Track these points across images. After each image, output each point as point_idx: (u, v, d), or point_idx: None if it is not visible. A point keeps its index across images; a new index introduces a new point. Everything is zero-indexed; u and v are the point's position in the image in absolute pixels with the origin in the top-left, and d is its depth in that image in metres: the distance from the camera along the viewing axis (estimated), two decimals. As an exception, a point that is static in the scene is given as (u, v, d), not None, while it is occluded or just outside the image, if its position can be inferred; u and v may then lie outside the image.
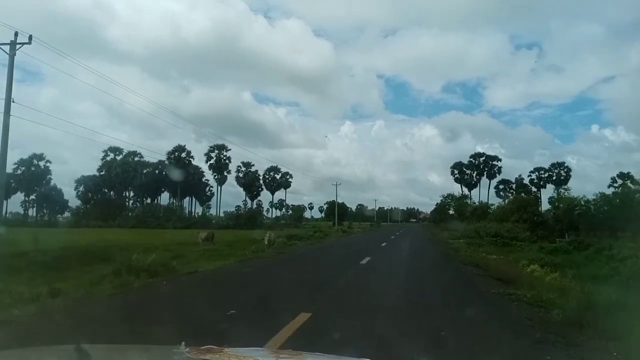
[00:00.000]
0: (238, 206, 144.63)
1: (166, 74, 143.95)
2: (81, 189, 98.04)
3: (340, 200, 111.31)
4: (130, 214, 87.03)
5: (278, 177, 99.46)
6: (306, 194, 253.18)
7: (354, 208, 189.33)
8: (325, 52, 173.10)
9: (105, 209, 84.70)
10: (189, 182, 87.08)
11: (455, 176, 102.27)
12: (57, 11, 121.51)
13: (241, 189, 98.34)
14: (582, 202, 41.07)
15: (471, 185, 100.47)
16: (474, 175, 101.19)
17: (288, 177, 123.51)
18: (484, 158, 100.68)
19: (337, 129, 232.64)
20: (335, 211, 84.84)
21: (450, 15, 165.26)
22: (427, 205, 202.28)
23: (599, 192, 56.04)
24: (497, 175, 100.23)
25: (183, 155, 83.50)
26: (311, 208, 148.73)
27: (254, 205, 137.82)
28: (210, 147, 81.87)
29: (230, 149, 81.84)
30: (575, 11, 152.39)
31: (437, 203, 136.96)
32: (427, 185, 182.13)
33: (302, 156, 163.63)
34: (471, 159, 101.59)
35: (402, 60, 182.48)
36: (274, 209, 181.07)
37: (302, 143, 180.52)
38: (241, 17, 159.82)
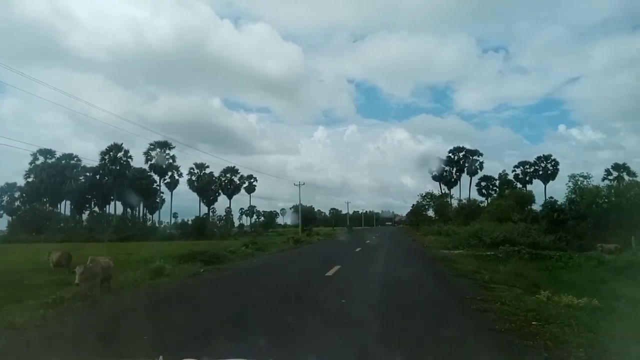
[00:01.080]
0: (206, 214, 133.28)
1: (131, 81, 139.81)
2: (6, 198, 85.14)
3: (311, 205, 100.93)
4: (61, 226, 74.20)
5: (236, 179, 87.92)
6: (281, 199, 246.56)
7: (327, 213, 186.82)
8: (295, 57, 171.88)
9: (32, 221, 71.66)
10: (135, 187, 74.99)
11: (433, 174, 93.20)
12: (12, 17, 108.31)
13: (205, 192, 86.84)
14: (612, 194, 31.41)
15: (451, 183, 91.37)
16: (454, 172, 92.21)
17: (252, 180, 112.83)
18: (464, 153, 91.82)
19: (309, 134, 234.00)
20: (299, 215, 73.87)
21: (417, 20, 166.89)
22: (401, 207, 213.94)
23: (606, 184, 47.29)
24: (479, 171, 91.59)
25: (120, 155, 71.16)
26: (284, 214, 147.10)
27: (224, 212, 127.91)
28: (151, 144, 69.90)
29: (174, 147, 70.11)
30: (539, 14, 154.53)
31: (413, 204, 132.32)
32: (401, 188, 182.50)
33: (275, 162, 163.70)
34: (450, 154, 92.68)
35: (372, 64, 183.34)
36: (245, 215, 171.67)
37: (274, 149, 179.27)
38: (207, 22, 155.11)
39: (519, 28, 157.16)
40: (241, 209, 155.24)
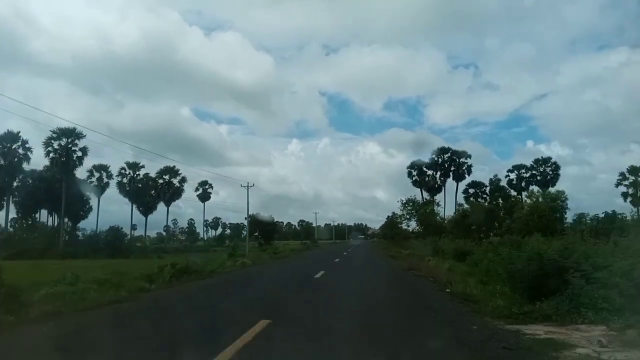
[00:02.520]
0: (167, 226, 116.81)
1: (98, 88, 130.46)
2: None
3: (271, 215, 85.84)
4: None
5: (176, 181, 71.77)
6: (252, 211, 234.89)
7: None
8: (267, 67, 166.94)
9: None
10: (50, 192, 58.54)
11: (414, 178, 79.33)
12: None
13: (140, 197, 70.50)
14: None
15: (434, 190, 77.72)
16: (438, 176, 78.74)
17: (207, 187, 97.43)
18: (449, 155, 78.49)
19: (281, 146, 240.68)
20: (247, 227, 58.52)
21: (389, 34, 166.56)
22: (374, 221, 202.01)
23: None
24: (467, 175, 78.38)
25: (15, 146, 54.45)
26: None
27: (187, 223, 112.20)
28: (53, 132, 53.38)
29: (84, 135, 53.77)
30: (508, 31, 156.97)
31: (388, 216, 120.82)
32: (374, 201, 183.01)
33: (247, 174, 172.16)
34: (434, 157, 79.18)
35: (345, 77, 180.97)
36: (209, 228, 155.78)
37: (246, 161, 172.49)
38: (176, 28, 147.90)
39: (488, 44, 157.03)
40: (205, 220, 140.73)
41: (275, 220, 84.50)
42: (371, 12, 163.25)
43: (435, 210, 59.28)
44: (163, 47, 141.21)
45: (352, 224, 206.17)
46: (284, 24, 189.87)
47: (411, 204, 63.85)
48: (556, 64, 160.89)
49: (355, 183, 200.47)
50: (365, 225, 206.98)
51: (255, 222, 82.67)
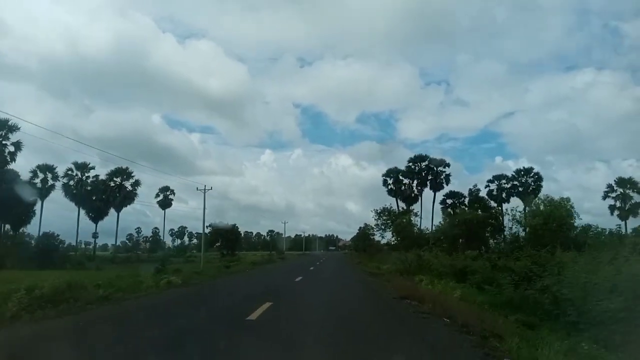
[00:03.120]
0: (130, 234, 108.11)
1: (65, 92, 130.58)
2: None
3: (235, 224, 79.56)
4: None
5: (128, 184, 64.70)
6: (221, 220, 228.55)
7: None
8: (240, 77, 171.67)
9: None
10: None
11: (389, 187, 74.42)
12: None
13: (88, 201, 62.93)
14: None
15: (410, 199, 73.00)
16: (414, 185, 74.13)
17: (168, 193, 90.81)
18: (426, 163, 74.09)
19: (254, 156, 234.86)
20: (203, 235, 52.26)
21: (364, 49, 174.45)
22: (345, 232, 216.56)
23: None
24: (445, 185, 74.02)
25: None
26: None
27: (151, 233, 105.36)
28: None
29: (18, 127, 46.74)
30: (479, 49, 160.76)
31: (360, 227, 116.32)
32: (345, 213, 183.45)
33: (217, 183, 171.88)
34: (410, 164, 74.54)
35: (318, 90, 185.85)
36: (175, 237, 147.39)
37: (217, 170, 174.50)
38: (148, 34, 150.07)
39: (459, 61, 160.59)
40: (171, 229, 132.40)
41: (239, 229, 78.10)
42: (347, 25, 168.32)
43: (413, 221, 54.47)
44: (135, 52, 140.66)
45: (323, 235, 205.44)
46: (258, 34, 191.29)
47: (386, 213, 58.96)
48: (525, 83, 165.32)
49: (327, 194, 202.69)
50: (337, 236, 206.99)
51: (217, 231, 76.34)
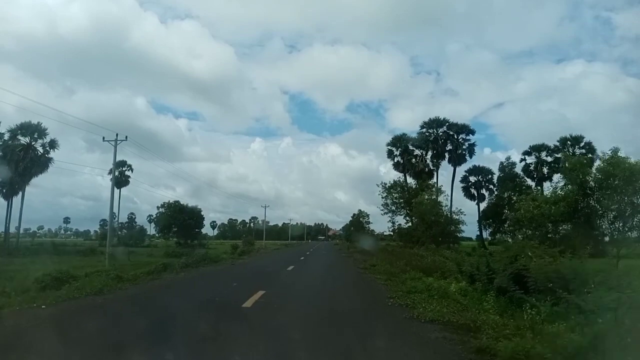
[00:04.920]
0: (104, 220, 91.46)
1: (46, 73, 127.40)
2: None
3: (197, 205, 62.50)
4: None
5: (39, 146, 46.26)
6: (211, 210, 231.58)
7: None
8: (227, 59, 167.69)
9: None
10: None
11: (396, 159, 57.36)
12: None
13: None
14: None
15: (423, 175, 55.92)
16: (428, 157, 57.08)
17: (125, 169, 74.58)
18: (444, 129, 56.98)
19: (242, 144, 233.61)
20: (110, 216, 34.70)
21: (353, 33, 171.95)
22: (334, 222, 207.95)
23: None
24: (468, 157, 57.19)
25: None
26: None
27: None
28: None
29: None
30: (469, 39, 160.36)
31: (354, 214, 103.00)
32: (334, 202, 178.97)
33: (204, 170, 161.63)
34: (424, 130, 57.31)
35: (307, 76, 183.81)
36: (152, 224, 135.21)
37: (203, 156, 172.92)
38: (129, 13, 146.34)
39: (450, 50, 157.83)
40: (149, 215, 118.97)
41: (201, 212, 60.51)
42: (336, 8, 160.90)
43: (441, 201, 37.52)
44: (116, 31, 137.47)
45: (312, 224, 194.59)
46: (245, 16, 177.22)
47: (399, 188, 42.08)
48: (514, 73, 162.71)
49: (316, 184, 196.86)
50: (326, 225, 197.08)
51: (172, 213, 58.86)
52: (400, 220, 42.50)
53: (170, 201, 59.90)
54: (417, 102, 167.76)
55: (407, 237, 37.05)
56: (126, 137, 29.86)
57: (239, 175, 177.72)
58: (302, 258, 33.68)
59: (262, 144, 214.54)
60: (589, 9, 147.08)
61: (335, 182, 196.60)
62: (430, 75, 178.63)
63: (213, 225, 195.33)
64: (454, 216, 37.05)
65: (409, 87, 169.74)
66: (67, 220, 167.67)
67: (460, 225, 35.88)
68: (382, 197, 43.17)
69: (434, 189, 41.11)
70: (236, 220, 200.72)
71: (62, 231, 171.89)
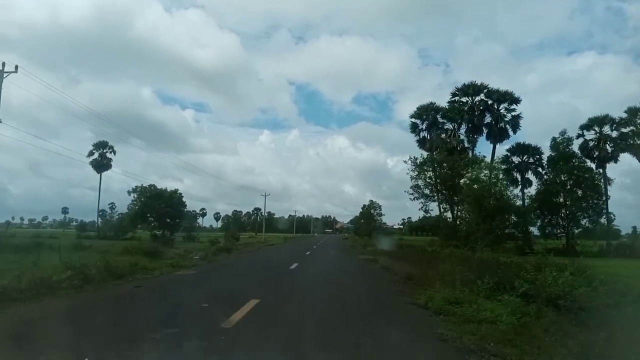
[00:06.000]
0: (103, 210, 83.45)
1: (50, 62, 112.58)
2: None
3: (177, 190, 52.12)
4: None
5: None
6: (214, 200, 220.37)
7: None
8: (233, 50, 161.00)
9: None
10: None
11: (422, 134, 46.31)
12: None
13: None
14: None
15: (455, 153, 44.61)
16: (463, 132, 45.92)
17: (106, 150, 66.45)
18: (482, 97, 45.73)
19: (249, 136, 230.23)
20: None
21: (361, 24, 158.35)
22: (342, 215, 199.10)
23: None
24: (511, 132, 45.83)
25: None
26: (204, 215, 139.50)
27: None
28: None
29: None
30: (477, 33, 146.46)
31: (364, 205, 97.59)
32: (343, 195, 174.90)
33: (211, 162, 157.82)
34: (457, 98, 46.07)
35: (314, 68, 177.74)
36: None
37: (209, 148, 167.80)
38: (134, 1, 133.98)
39: (459, 42, 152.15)
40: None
41: (182, 197, 49.67)
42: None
43: (497, 182, 26.42)
44: (120, 20, 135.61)
45: (320, 217, 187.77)
46: (251, 5, 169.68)
47: (435, 165, 31.12)
48: (525, 66, 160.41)
49: (323, 176, 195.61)
50: (334, 218, 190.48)
51: (146, 199, 48.44)
52: (434, 207, 31.72)
53: (144, 185, 49.25)
54: (425, 94, 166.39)
55: (449, 233, 26.25)
56: (16, 68, 19.16)
57: (246, 167, 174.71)
58: (293, 267, 22.01)
59: (270, 136, 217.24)
60: (601, 0, 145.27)
61: (343, 174, 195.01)
62: (438, 67, 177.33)
63: (217, 217, 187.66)
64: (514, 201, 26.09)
65: (417, 79, 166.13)
66: (65, 210, 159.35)
67: (533, 215, 24.96)
68: (412, 178, 32.47)
69: (483, 164, 29.94)
70: (241, 212, 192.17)
71: (68, 222, 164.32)
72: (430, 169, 31.87)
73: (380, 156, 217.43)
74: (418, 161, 33.52)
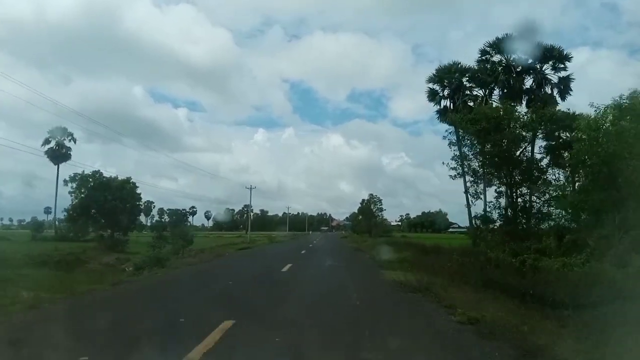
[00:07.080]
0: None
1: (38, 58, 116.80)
2: None
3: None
4: None
5: None
6: (206, 199, 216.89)
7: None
8: (226, 46, 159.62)
9: None
10: None
11: (443, 104, 35.92)
12: None
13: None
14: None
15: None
16: (496, 99, 35.43)
17: (64, 138, 55.68)
18: (519, 55, 35.12)
19: (242, 134, 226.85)
20: None
21: (354, 20, 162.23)
22: (337, 213, 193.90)
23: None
24: (559, 100, 35.10)
25: None
26: (193, 213, 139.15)
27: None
28: None
29: None
30: (469, 28, 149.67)
31: (363, 200, 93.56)
32: (338, 193, 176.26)
33: (205, 160, 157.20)
34: (487, 57, 35.48)
35: (308, 65, 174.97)
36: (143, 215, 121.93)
37: (203, 146, 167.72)
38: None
39: (452, 37, 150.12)
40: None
41: (135, 185, 38.88)
42: None
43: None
44: (108, 16, 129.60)
45: (315, 214, 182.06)
46: (243, 1, 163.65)
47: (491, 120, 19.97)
48: None
49: (318, 174, 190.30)
50: (330, 215, 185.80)
51: (88, 191, 37.69)
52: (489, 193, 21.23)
53: (86, 172, 38.50)
54: (419, 91, 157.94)
55: (506, 229, 15.55)
56: None
57: (240, 165, 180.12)
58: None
59: (264, 134, 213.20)
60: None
61: (338, 172, 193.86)
62: (432, 63, 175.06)
63: (207, 215, 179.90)
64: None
65: (411, 76, 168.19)
66: (47, 210, 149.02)
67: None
68: (451, 143, 22.17)
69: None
70: (233, 210, 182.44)
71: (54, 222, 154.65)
72: (482, 130, 21.26)
73: (375, 153, 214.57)
74: (463, 118, 23.10)
